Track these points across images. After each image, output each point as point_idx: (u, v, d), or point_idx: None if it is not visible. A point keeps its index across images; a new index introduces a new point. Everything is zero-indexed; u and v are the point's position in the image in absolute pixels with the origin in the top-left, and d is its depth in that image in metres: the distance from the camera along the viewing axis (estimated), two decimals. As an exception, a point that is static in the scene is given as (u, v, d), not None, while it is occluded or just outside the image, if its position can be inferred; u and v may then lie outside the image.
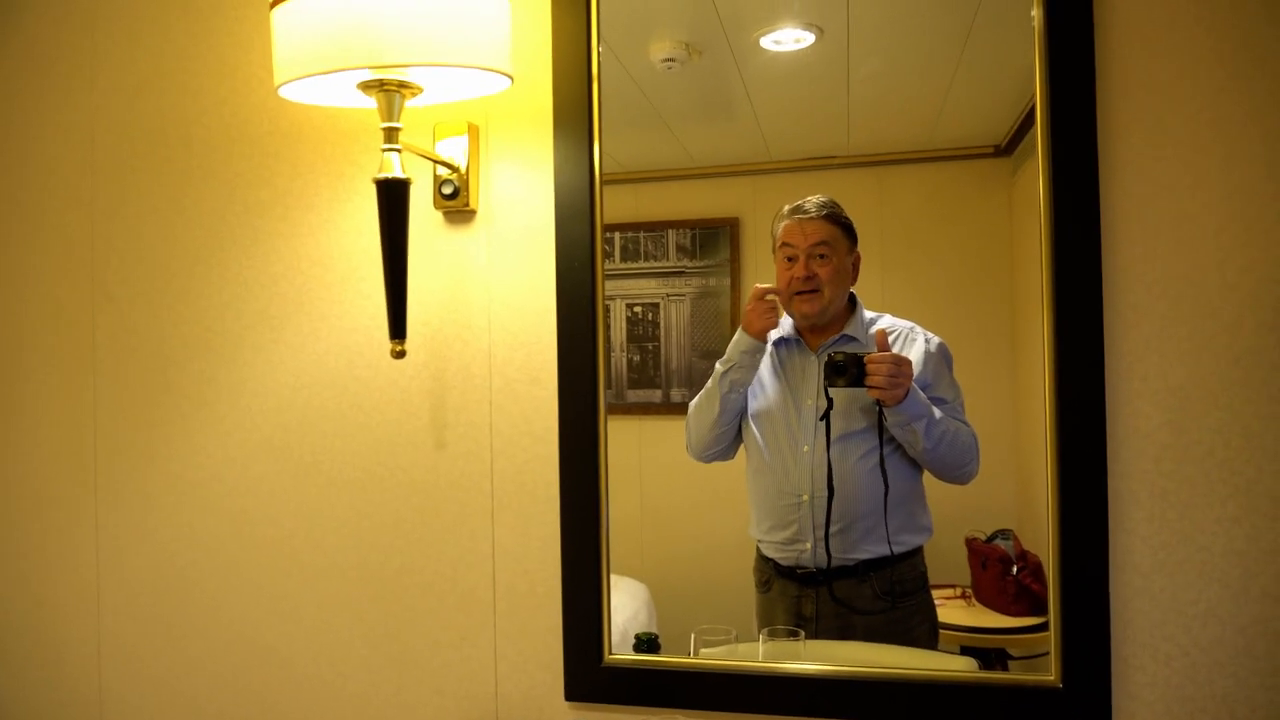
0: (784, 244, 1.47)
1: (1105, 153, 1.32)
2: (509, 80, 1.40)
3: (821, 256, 1.46)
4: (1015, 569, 1.39)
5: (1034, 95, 1.32)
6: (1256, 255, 1.29)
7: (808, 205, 1.46)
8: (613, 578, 1.50)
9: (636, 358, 1.55)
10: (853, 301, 1.47)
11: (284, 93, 1.40)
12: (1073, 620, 1.31)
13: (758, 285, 1.48)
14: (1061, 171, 1.31)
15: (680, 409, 1.54)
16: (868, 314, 1.46)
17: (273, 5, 1.33)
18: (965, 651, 1.42)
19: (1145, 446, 1.33)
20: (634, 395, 1.55)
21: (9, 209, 1.83)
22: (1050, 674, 1.32)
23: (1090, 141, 1.31)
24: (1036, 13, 1.32)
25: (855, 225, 1.45)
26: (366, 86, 1.36)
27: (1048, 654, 1.33)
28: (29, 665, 1.84)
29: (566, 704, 1.53)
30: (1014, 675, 1.38)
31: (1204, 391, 1.31)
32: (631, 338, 1.55)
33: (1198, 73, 1.31)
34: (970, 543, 1.42)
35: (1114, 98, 1.33)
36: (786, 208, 1.47)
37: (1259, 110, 1.29)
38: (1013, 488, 1.40)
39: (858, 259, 1.45)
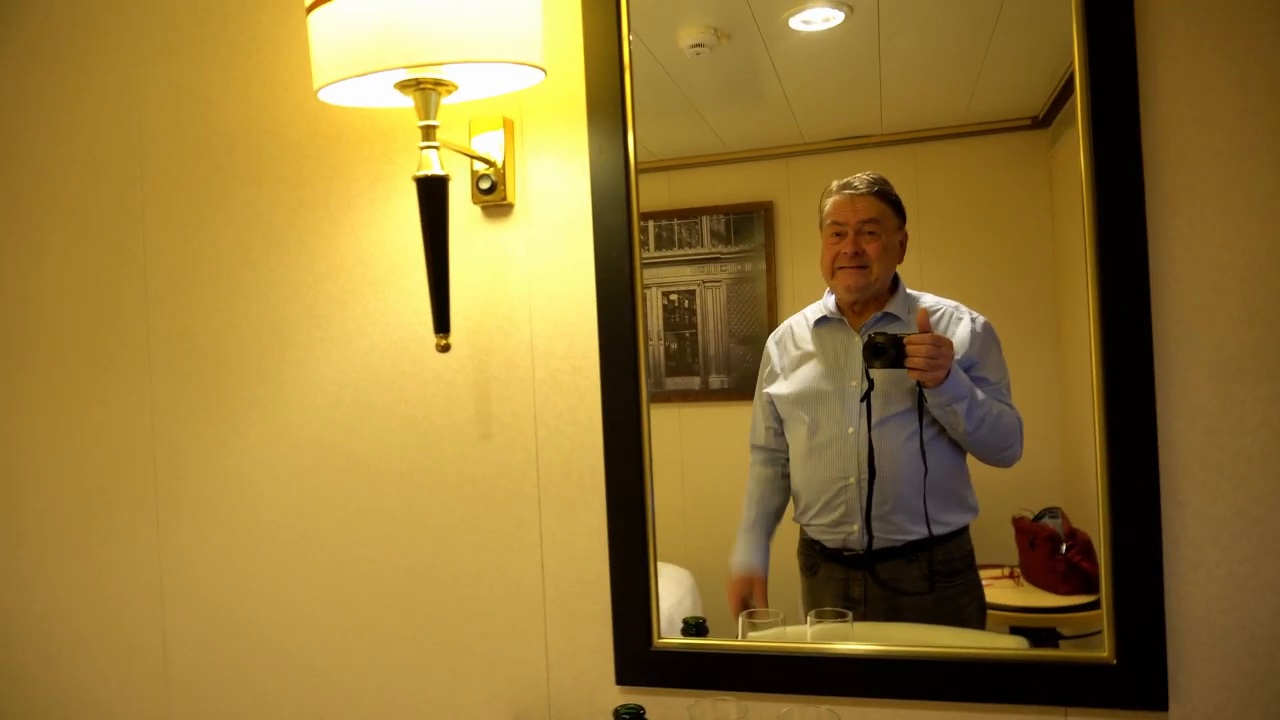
0: (833, 220, 1.46)
1: (1147, 120, 1.30)
2: (542, 73, 1.41)
3: (870, 233, 1.44)
4: (1064, 547, 1.37)
5: (1071, 64, 1.29)
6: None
7: (857, 181, 1.44)
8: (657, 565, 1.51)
9: (674, 345, 1.55)
10: (895, 280, 1.46)
11: (323, 96, 1.42)
12: (1126, 595, 1.30)
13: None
14: (1102, 141, 1.28)
15: (719, 395, 1.54)
16: (910, 292, 1.45)
17: (309, 10, 1.35)
18: (1015, 631, 1.40)
19: (1196, 418, 1.30)
20: (672, 383, 1.56)
21: (65, 219, 1.89)
22: (1104, 650, 1.31)
23: (1132, 108, 1.28)
24: (1074, -25, 1.29)
25: (898, 203, 1.43)
26: (403, 86, 1.38)
27: (1099, 633, 1.31)
28: (97, 663, 1.90)
29: (617, 688, 1.55)
30: (1068, 653, 1.36)
31: (1256, 361, 1.28)
32: (668, 325, 1.55)
33: (1243, 33, 1.27)
34: (1017, 522, 1.41)
35: (1155, 62, 1.30)
36: (835, 184, 1.46)
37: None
38: (1059, 465, 1.38)
39: (905, 237, 1.43)
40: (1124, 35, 1.28)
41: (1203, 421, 1.30)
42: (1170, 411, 1.30)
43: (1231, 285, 1.29)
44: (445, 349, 1.47)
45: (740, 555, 1.53)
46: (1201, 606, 1.30)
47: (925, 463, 1.42)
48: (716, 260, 1.54)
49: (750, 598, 1.52)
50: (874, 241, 1.44)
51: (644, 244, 1.53)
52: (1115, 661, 1.30)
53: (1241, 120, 1.28)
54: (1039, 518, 1.39)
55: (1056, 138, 1.33)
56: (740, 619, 1.50)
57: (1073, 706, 1.33)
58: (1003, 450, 1.40)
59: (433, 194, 1.41)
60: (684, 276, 1.55)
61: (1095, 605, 1.32)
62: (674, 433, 1.53)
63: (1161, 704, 1.30)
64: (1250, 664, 1.29)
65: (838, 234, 1.46)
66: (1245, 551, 1.29)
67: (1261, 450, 1.28)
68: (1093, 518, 1.31)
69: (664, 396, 1.55)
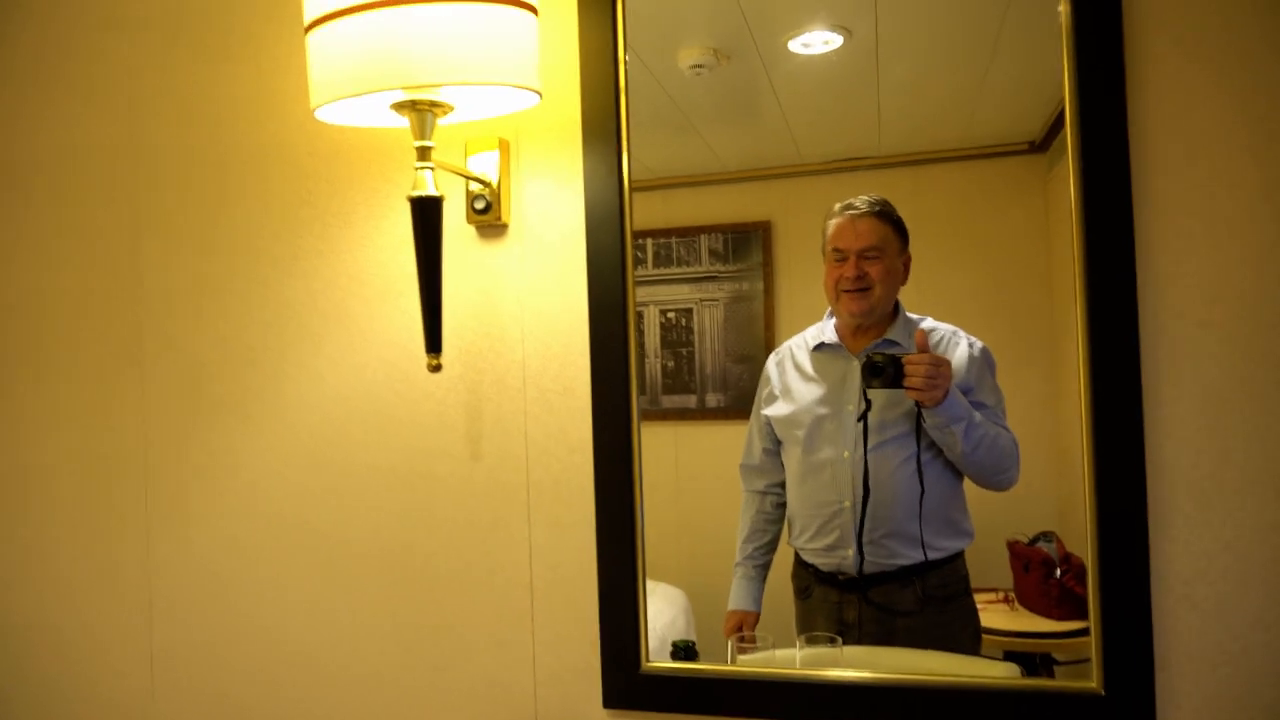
0: (834, 245, 1.46)
1: (1137, 152, 1.31)
2: (537, 97, 1.41)
3: (873, 256, 1.44)
4: (1058, 572, 1.37)
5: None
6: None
7: (859, 203, 1.44)
8: (650, 584, 1.50)
9: (671, 363, 1.55)
10: (896, 306, 1.46)
11: (320, 115, 1.42)
12: (1114, 626, 1.29)
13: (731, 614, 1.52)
14: (1092, 170, 1.29)
15: (715, 414, 1.54)
16: (910, 317, 1.45)
17: (308, 30, 1.35)
18: (1009, 656, 1.40)
19: (1183, 450, 1.30)
20: (669, 401, 1.55)
21: (60, 232, 1.88)
22: (1092, 681, 1.30)
23: (1121, 139, 1.29)
24: (1063, 8, 1.31)
25: (899, 226, 1.44)
26: (399, 107, 1.38)
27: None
28: (83, 674, 1.87)
29: (605, 711, 1.53)
30: (1056, 682, 1.36)
31: (1241, 394, 1.29)
32: (665, 343, 1.55)
33: (1229, 69, 1.29)
34: (1012, 545, 1.40)
35: (1146, 95, 1.31)
36: (837, 205, 1.46)
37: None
38: (1055, 490, 1.38)
39: (908, 259, 1.44)
40: (1113, 68, 1.29)
41: (1188, 454, 1.30)
42: (1158, 442, 1.31)
43: (1219, 318, 1.29)
44: (437, 369, 1.47)
45: (734, 592, 1.53)
46: (1189, 640, 1.30)
47: (922, 484, 1.42)
48: (714, 279, 1.54)
49: (747, 637, 1.51)
50: (876, 264, 1.44)
51: (642, 261, 1.54)
52: (1104, 692, 1.30)
53: (1230, 154, 1.29)
54: (1034, 542, 1.39)
55: (1053, 163, 1.34)
56: (730, 643, 1.50)
57: (1063, 737, 1.33)
58: (999, 473, 1.40)
59: (427, 214, 1.41)
60: (682, 295, 1.55)
61: (1089, 631, 1.31)
62: (670, 450, 1.53)
63: (1151, 736, 1.29)
64: (1238, 697, 1.29)
65: (840, 258, 1.46)
66: (1232, 584, 1.29)
67: (1248, 483, 1.29)
68: (1087, 544, 1.31)
69: (660, 414, 1.55)
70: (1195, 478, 1.30)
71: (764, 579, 1.52)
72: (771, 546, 1.52)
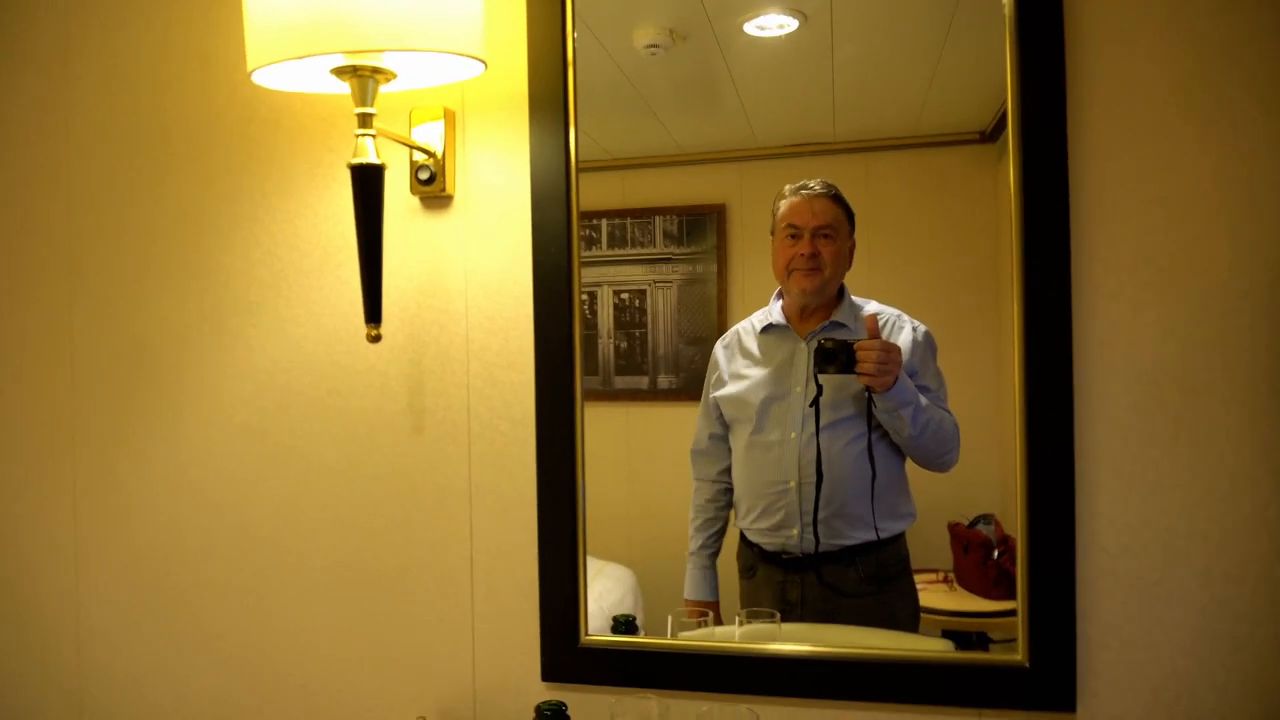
0: (789, 222, 1.47)
1: (1075, 140, 1.33)
2: (483, 66, 1.39)
3: (826, 236, 1.45)
4: (996, 553, 1.41)
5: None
6: (1222, 242, 1.31)
7: (813, 184, 1.45)
8: (599, 563, 1.51)
9: (624, 344, 1.55)
10: (841, 289, 1.47)
11: (257, 78, 1.38)
12: (1040, 601, 1.34)
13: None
14: (1031, 157, 1.32)
15: (667, 395, 1.55)
16: (855, 300, 1.47)
17: (246, -12, 1.31)
18: (947, 635, 1.44)
19: (1113, 430, 1.34)
20: (621, 382, 1.55)
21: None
22: (1019, 654, 1.35)
23: (1060, 128, 1.32)
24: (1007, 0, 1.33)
25: (844, 210, 1.46)
26: (340, 72, 1.35)
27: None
28: (6, 658, 1.82)
29: (544, 684, 1.54)
30: (983, 655, 1.41)
31: (1170, 376, 1.33)
32: (619, 324, 1.55)
33: (1167, 60, 1.32)
34: (953, 528, 1.44)
35: (1083, 86, 1.34)
36: (788, 187, 1.46)
37: (1228, 98, 1.30)
38: (995, 473, 1.42)
39: (853, 245, 1.45)
40: (1053, 55, 1.32)
41: (1118, 432, 1.34)
42: (1087, 421, 1.35)
43: (1149, 300, 1.33)
44: (376, 339, 1.44)
45: (690, 583, 1.54)
46: (1110, 613, 1.35)
47: (873, 466, 1.44)
48: (668, 260, 1.54)
49: (707, 622, 1.52)
50: (829, 245, 1.46)
51: (596, 242, 1.53)
52: (1028, 664, 1.34)
53: (1169, 141, 1.32)
54: (973, 524, 1.43)
55: (1002, 153, 1.36)
56: (670, 618, 1.51)
57: (986, 708, 1.37)
58: (942, 455, 1.43)
59: (367, 182, 1.38)
60: (635, 276, 1.54)
61: (1019, 610, 1.36)
62: (621, 431, 1.53)
63: (1070, 705, 1.34)
64: (1154, 668, 1.34)
65: (793, 235, 1.47)
66: (1153, 559, 1.34)
67: (1172, 462, 1.33)
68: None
69: (612, 395, 1.55)
70: (1122, 455, 1.34)
71: (716, 566, 1.54)
72: (722, 533, 1.54)
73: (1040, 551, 1.34)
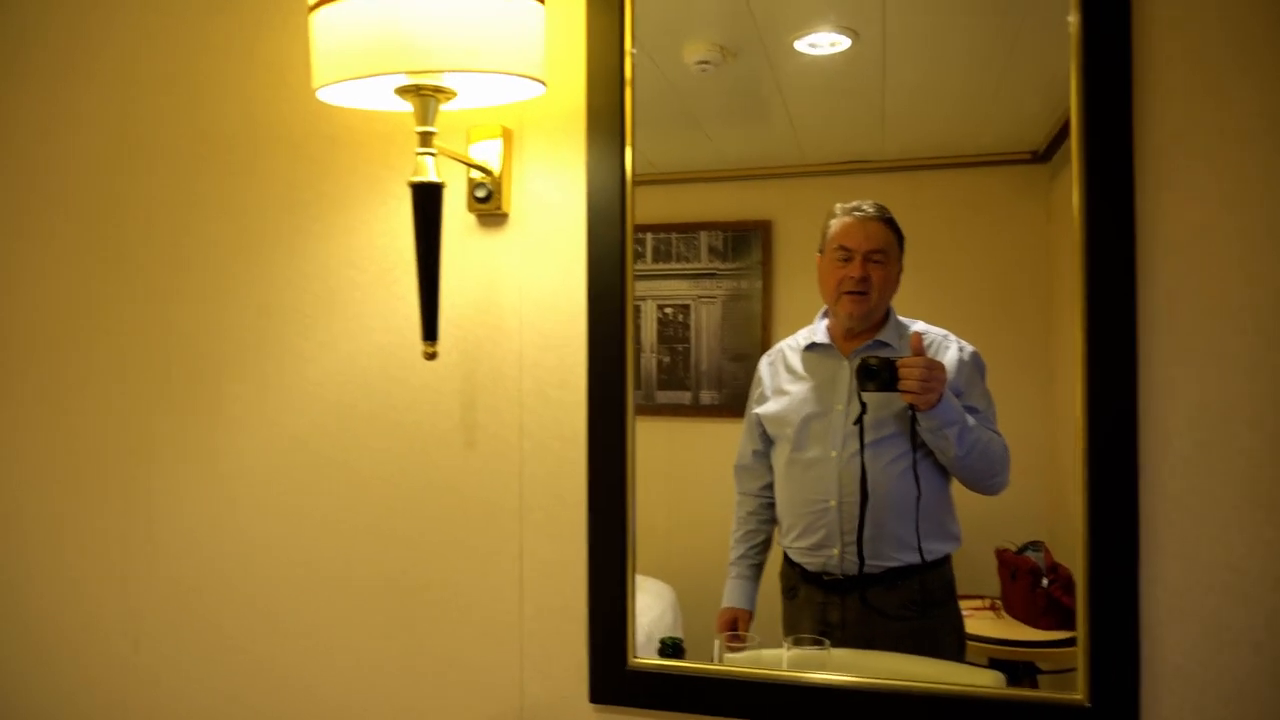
0: (840, 243, 1.45)
1: (1140, 163, 1.30)
2: (542, 86, 1.41)
3: (877, 261, 1.44)
4: (1045, 581, 1.37)
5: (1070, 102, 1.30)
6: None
7: (866, 206, 1.44)
8: (639, 579, 1.50)
9: (667, 359, 1.55)
10: (888, 311, 1.46)
11: (322, 95, 1.42)
12: (1102, 638, 1.29)
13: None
14: (1096, 181, 1.29)
15: (710, 411, 1.54)
16: (901, 320, 1.45)
17: (312, 9, 1.35)
18: (993, 664, 1.40)
19: (1178, 465, 1.30)
20: (663, 396, 1.55)
21: (48, 209, 1.87)
22: (1078, 692, 1.30)
23: (1126, 151, 1.28)
24: (1073, 18, 1.30)
25: (892, 231, 1.44)
26: (403, 91, 1.38)
27: (1075, 670, 1.31)
28: (67, 658, 1.87)
29: (591, 706, 1.53)
30: (1041, 693, 1.36)
31: (1233, 409, 1.28)
32: (662, 339, 1.55)
33: (1238, 80, 1.28)
34: (1000, 554, 1.40)
35: (1151, 107, 1.30)
36: (840, 206, 1.45)
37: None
38: (1045, 499, 1.38)
39: (901, 268, 1.44)
40: (1120, 78, 1.29)
41: (1183, 468, 1.30)
42: (1153, 457, 1.30)
43: (1218, 333, 1.29)
44: (433, 357, 1.46)
45: (728, 591, 1.53)
46: (1178, 654, 1.30)
47: (918, 486, 1.42)
48: (713, 276, 1.54)
49: (741, 639, 1.51)
50: (879, 269, 1.44)
51: (641, 256, 1.53)
52: (1089, 704, 1.30)
53: (1237, 167, 1.28)
54: (1022, 550, 1.39)
55: (1055, 174, 1.33)
56: (717, 642, 1.49)
57: (1046, 747, 1.33)
58: (991, 477, 1.40)
59: (427, 200, 1.41)
60: (680, 290, 1.54)
61: (1074, 642, 1.31)
62: (663, 447, 1.53)
63: (1133, 750, 1.29)
64: (1222, 712, 1.29)
65: (845, 258, 1.45)
66: (1220, 601, 1.29)
67: (1239, 500, 1.28)
68: (1076, 554, 1.31)
69: (654, 410, 1.54)
70: (1188, 491, 1.30)
71: (758, 579, 1.52)
72: (765, 547, 1.52)
73: (1102, 585, 1.29)
